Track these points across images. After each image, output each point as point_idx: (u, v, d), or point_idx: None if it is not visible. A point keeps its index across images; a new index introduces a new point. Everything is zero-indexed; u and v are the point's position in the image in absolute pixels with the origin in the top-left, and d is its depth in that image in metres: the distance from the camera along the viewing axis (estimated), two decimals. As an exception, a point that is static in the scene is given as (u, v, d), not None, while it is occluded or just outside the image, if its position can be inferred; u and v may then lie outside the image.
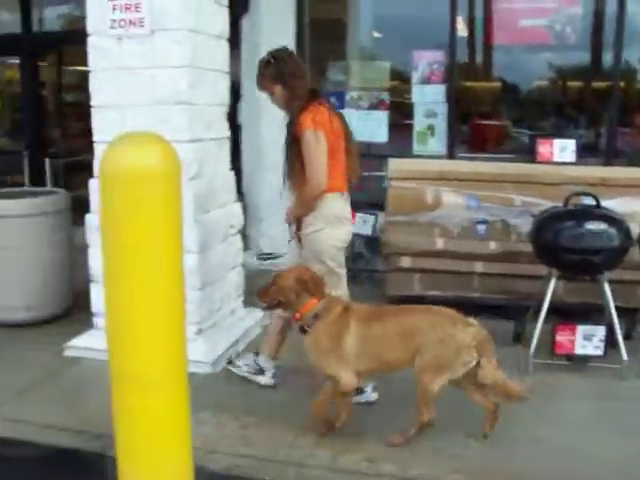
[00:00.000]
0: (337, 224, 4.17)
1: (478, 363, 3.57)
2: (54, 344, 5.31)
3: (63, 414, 4.24)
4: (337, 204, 4.17)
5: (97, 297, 5.11)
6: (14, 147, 12.01)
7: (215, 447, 3.76)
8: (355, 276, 6.99)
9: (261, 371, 4.54)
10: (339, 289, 4.19)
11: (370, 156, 7.73)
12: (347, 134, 4.30)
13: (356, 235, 6.93)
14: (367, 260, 7.09)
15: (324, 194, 4.06)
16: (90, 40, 4.98)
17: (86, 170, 10.64)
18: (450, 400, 3.79)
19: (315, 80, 4.41)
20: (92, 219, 5.01)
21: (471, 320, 3.66)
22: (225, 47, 5.36)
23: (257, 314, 5.68)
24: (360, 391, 4.14)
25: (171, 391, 2.67)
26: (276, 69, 4.18)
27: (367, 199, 7.34)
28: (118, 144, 2.56)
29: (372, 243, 6.97)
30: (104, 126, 4.93)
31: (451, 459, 3.68)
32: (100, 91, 4.96)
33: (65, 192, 6.00)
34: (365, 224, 6.88)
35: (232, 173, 5.61)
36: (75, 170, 11.83)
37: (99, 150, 4.96)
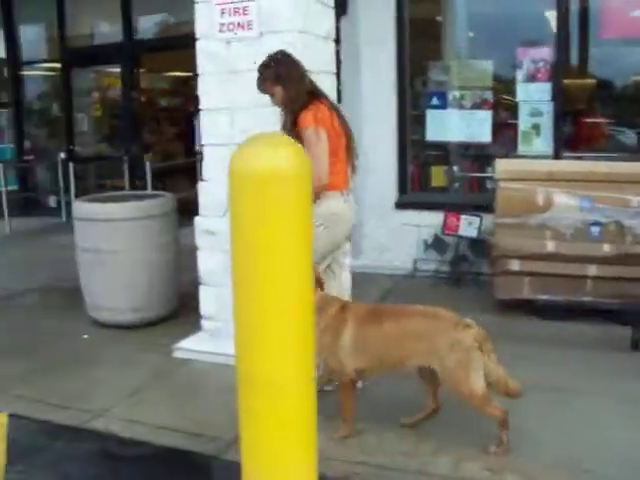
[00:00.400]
0: (335, 223, 4.23)
1: None
2: (162, 345, 5.38)
3: (176, 415, 4.27)
4: (336, 203, 4.22)
5: (206, 300, 5.14)
6: (113, 152, 12.28)
7: (332, 454, 3.70)
8: (459, 279, 6.88)
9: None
10: (331, 288, 4.28)
11: (472, 157, 7.60)
12: (348, 132, 4.35)
13: (461, 237, 6.83)
14: (471, 263, 6.93)
15: (324, 191, 4.11)
16: (199, 44, 5.01)
17: (182, 173, 10.85)
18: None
19: (313, 80, 4.38)
20: (201, 222, 5.04)
21: (469, 321, 3.66)
22: (331, 48, 5.32)
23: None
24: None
25: (300, 395, 2.62)
26: (275, 71, 4.26)
27: (471, 201, 7.21)
28: (250, 145, 2.53)
29: (477, 245, 6.82)
30: (213, 129, 4.96)
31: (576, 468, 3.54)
32: (209, 94, 4.98)
33: (171, 195, 6.06)
34: (470, 226, 6.74)
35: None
36: (171, 173, 12.07)
37: (208, 153, 4.99)
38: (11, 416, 4.34)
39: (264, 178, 2.39)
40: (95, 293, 5.85)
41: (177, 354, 5.20)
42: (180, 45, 11.43)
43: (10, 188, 11.77)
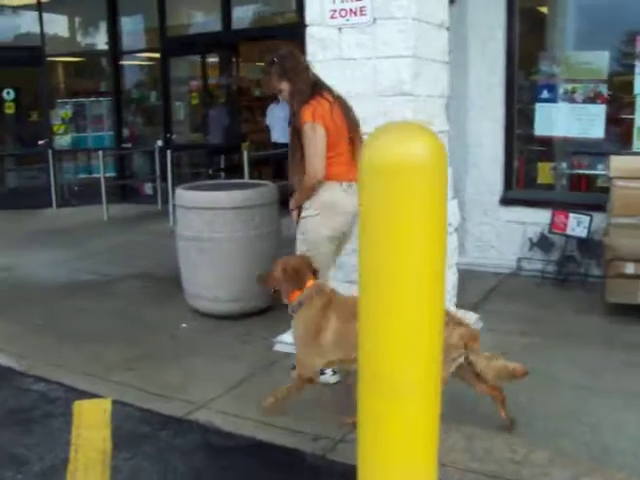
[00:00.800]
0: (330, 212, 4.33)
1: (469, 360, 3.60)
2: (262, 338, 5.32)
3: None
4: (333, 193, 4.32)
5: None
6: (209, 141, 12.35)
7: (442, 459, 3.53)
8: (565, 280, 6.59)
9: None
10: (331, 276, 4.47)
11: (582, 153, 7.26)
12: (351, 125, 4.39)
13: (568, 237, 6.53)
14: (579, 263, 6.62)
15: (323, 182, 4.26)
16: (309, 31, 4.90)
17: (277, 163, 10.73)
18: None
19: (316, 74, 4.47)
20: (309, 214, 4.93)
21: (460, 318, 3.71)
22: (445, 36, 5.14)
23: (471, 315, 5.41)
24: (320, 372, 4.20)
25: (425, 399, 2.47)
26: (280, 67, 4.38)
27: (580, 199, 6.90)
28: (383, 134, 2.38)
29: (586, 246, 6.51)
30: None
31: None
32: (320, 82, 4.85)
33: (273, 185, 5.97)
34: (579, 225, 6.43)
35: (450, 169, 5.36)
36: (266, 163, 12.05)
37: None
38: (114, 402, 4.36)
39: (398, 169, 2.24)
40: (194, 282, 5.81)
41: (278, 347, 5.10)
42: (276, 35, 11.53)
43: (108, 175, 11.96)
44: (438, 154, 2.30)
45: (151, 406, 4.29)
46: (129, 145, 13.39)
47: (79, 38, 14.30)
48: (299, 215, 4.47)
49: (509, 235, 7.14)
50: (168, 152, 10.59)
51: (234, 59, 12.33)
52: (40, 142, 13.26)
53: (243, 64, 13.33)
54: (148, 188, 13.08)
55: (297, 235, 4.50)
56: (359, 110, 4.63)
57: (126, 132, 13.41)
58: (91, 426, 4.11)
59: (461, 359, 3.59)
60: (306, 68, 4.42)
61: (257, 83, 14.50)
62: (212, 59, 12.91)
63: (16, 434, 4.06)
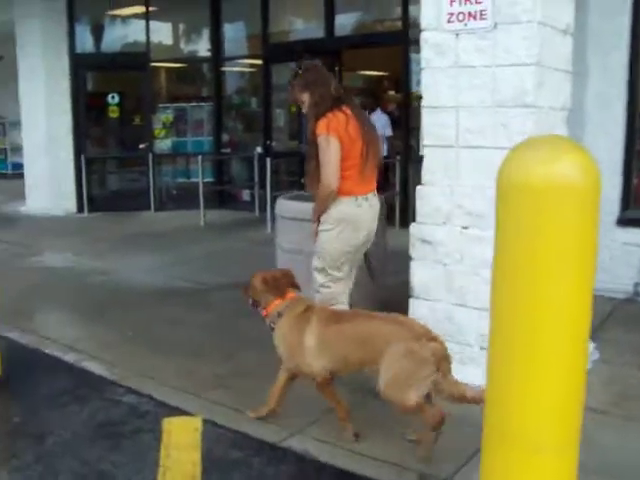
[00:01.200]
0: (345, 228, 4.36)
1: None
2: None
3: (383, 443, 3.87)
4: (348, 208, 4.35)
5: (416, 314, 4.71)
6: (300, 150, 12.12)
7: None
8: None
9: None
10: (327, 288, 4.49)
11: None
12: (367, 138, 4.39)
13: None
14: None
15: (337, 197, 4.31)
16: (424, 36, 4.59)
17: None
18: None
19: (340, 87, 4.56)
20: (418, 230, 4.63)
21: (435, 335, 3.59)
22: (569, 43, 4.73)
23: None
24: None
25: (563, 456, 2.13)
26: (303, 79, 4.48)
27: None
28: (527, 149, 2.06)
29: None
30: (435, 129, 4.53)
31: None
32: (433, 91, 4.55)
33: (381, 197, 5.65)
34: None
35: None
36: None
37: (429, 155, 4.57)
38: (205, 422, 4.15)
39: (546, 189, 1.92)
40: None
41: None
42: (379, 42, 11.28)
43: (206, 180, 11.91)
44: (591, 173, 1.97)
45: (244, 428, 4.06)
46: (228, 151, 13.36)
47: (182, 45, 14.44)
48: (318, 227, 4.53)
49: (625, 258, 6.64)
50: (268, 159, 10.45)
51: (336, 66, 12.10)
52: (141, 146, 13.37)
53: (345, 73, 13.10)
54: (246, 195, 13.02)
55: (314, 249, 4.55)
56: (473, 121, 4.33)
57: (225, 138, 13.40)
58: (180, 446, 3.91)
59: (433, 377, 3.47)
60: (328, 82, 4.47)
61: (357, 92, 14.28)
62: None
63: (104, 449, 3.90)
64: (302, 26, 12.72)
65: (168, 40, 14.33)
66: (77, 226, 11.86)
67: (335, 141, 4.25)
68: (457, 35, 4.41)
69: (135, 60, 13.13)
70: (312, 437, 3.95)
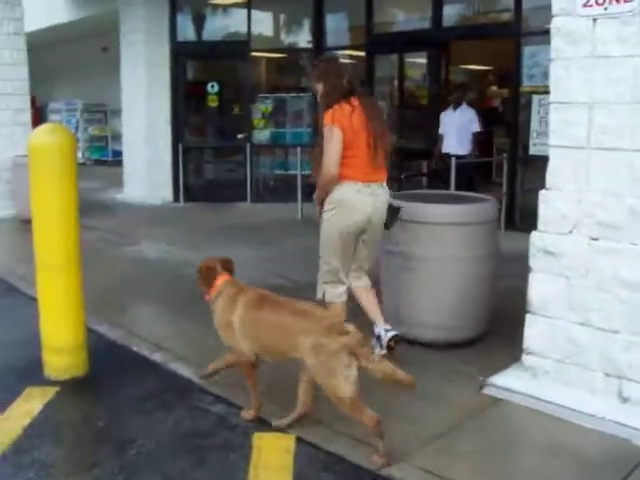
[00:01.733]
0: (344, 209, 4.61)
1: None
2: (470, 377, 4.63)
3: (489, 477, 3.46)
4: (348, 191, 4.59)
5: (532, 331, 4.28)
6: (407, 145, 11.66)
7: None
8: None
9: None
10: (327, 266, 4.84)
11: None
12: (371, 130, 4.58)
13: None
14: None
15: (340, 181, 4.56)
16: (555, 22, 4.11)
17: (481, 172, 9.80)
18: None
19: (353, 81, 4.78)
20: (539, 239, 4.16)
21: (347, 327, 3.67)
22: None
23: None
24: None
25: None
26: (319, 70, 4.77)
27: None
28: None
29: None
30: (564, 128, 4.05)
31: None
32: (563, 85, 4.07)
33: (494, 200, 5.22)
34: None
35: None
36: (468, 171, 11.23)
37: (556, 156, 4.09)
38: (298, 440, 3.82)
39: None
40: (395, 302, 5.17)
41: (488, 391, 4.37)
42: (489, 33, 10.72)
43: (304, 172, 11.62)
44: None
45: (340, 451, 3.71)
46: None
47: (283, 34, 14.22)
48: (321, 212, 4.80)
49: None
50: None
51: (442, 59, 11.61)
52: (239, 136, 13.18)
53: (451, 65, 12.59)
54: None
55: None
56: (609, 120, 3.85)
57: (323, 129, 13.06)
58: (270, 467, 3.60)
59: (354, 368, 3.56)
60: (340, 74, 4.67)
61: (459, 87, 13.74)
62: (417, 59, 12.25)
63: (189, 464, 3.65)
64: (407, 16, 12.26)
65: (269, 29, 14.12)
66: (172, 216, 11.76)
67: (338, 131, 4.48)
68: (594, 21, 3.92)
69: (236, 49, 12.96)
70: (415, 466, 3.56)
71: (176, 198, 13.07)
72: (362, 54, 12.33)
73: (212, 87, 12.97)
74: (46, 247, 4.47)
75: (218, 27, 13.63)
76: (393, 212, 4.83)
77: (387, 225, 4.84)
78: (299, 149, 11.16)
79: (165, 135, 13.10)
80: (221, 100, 13.32)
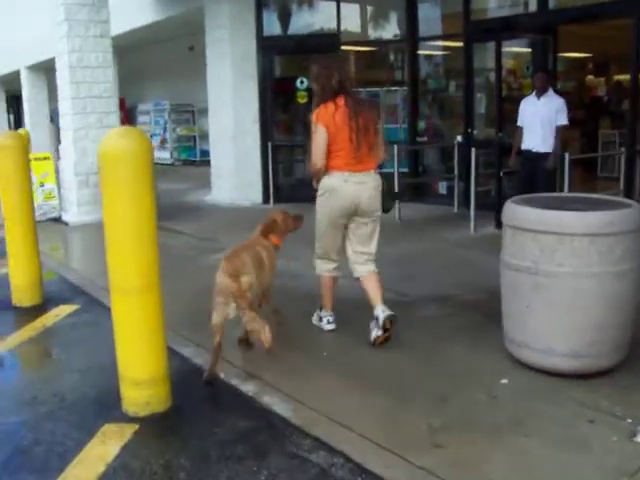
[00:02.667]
0: (327, 194, 5.16)
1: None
2: (615, 416, 3.87)
3: None
4: (335, 180, 5.10)
5: None
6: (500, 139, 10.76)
7: None
8: None
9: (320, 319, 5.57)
10: (317, 243, 5.42)
11: None
12: (353, 126, 5.02)
13: None
14: None
15: (329, 171, 5.11)
16: None
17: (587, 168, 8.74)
18: None
19: (343, 82, 5.16)
20: None
21: (236, 273, 4.56)
22: None
23: None
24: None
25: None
26: (312, 72, 5.27)
27: None
28: None
29: None
30: None
31: None
32: None
33: (637, 205, 4.41)
34: None
35: None
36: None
37: None
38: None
39: None
40: (521, 324, 4.44)
41: (642, 438, 3.61)
42: (609, 13, 9.67)
43: (400, 171, 10.91)
44: None
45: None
46: (424, 139, 12.27)
47: (374, 26, 13.58)
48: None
49: None
50: (472, 150, 9.25)
51: (548, 45, 10.65)
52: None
53: (558, 53, 11.62)
54: (442, 187, 11.90)
55: None
56: None
57: (421, 125, 12.29)
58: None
59: (230, 309, 4.50)
60: (330, 76, 5.10)
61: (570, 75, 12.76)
62: (519, 47, 11.34)
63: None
64: (508, 0, 11.37)
65: (359, 21, 13.52)
66: (262, 218, 11.21)
67: (322, 128, 5.02)
68: None
69: (325, 42, 12.29)
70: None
71: (266, 199, 12.56)
72: (457, 44, 11.53)
73: (301, 83, 12.36)
74: (120, 268, 3.92)
75: (306, 21, 13.04)
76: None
77: (384, 209, 5.35)
78: (396, 147, 10.42)
79: (253, 134, 12.59)
80: (311, 96, 12.68)
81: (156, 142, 23.33)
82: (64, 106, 11.56)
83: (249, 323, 4.51)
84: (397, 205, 10.13)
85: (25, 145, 6.58)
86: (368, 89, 12.69)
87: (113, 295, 4.00)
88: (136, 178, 3.78)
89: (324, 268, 5.46)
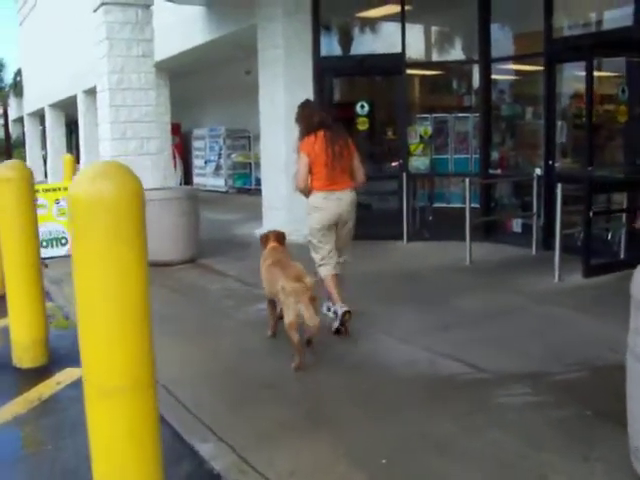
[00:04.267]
0: (314, 212, 6.25)
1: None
2: None
3: None
4: (318, 199, 6.21)
5: None
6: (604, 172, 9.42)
7: None
8: None
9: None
10: (314, 253, 6.38)
11: None
12: (329, 152, 6.14)
13: None
14: None
15: (312, 191, 6.24)
16: None
17: None
18: None
19: (323, 118, 6.30)
20: None
21: (305, 278, 5.25)
22: None
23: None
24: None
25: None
26: (296, 114, 6.51)
27: None
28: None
29: None
30: None
31: None
32: None
33: None
34: None
35: None
36: None
37: None
38: None
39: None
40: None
41: None
42: None
43: (473, 206, 9.68)
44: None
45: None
46: (497, 172, 10.96)
47: (443, 46, 12.40)
48: None
49: None
50: (559, 185, 7.86)
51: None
52: (394, 163, 11.39)
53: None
54: (516, 225, 10.58)
55: None
56: None
57: (494, 155, 10.96)
58: None
59: (300, 307, 5.08)
60: (312, 115, 6.33)
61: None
62: (612, 67, 10.01)
63: None
64: (597, 15, 10.04)
65: (426, 41, 12.38)
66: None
67: (304, 156, 6.15)
68: None
69: (388, 63, 11.15)
70: None
71: (321, 235, 11.41)
72: (535, 66, 10.26)
73: (361, 107, 11.19)
74: (96, 361, 2.78)
75: (367, 40, 11.99)
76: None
77: None
78: (467, 180, 9.17)
79: (309, 163, 11.48)
80: (372, 122, 11.57)
81: (210, 169, 22.56)
82: (103, 131, 10.69)
83: (313, 318, 5.08)
84: (468, 245, 8.90)
85: (30, 177, 5.55)
86: (435, 115, 11.52)
87: (88, 397, 2.86)
88: (117, 234, 2.65)
89: (326, 271, 6.29)
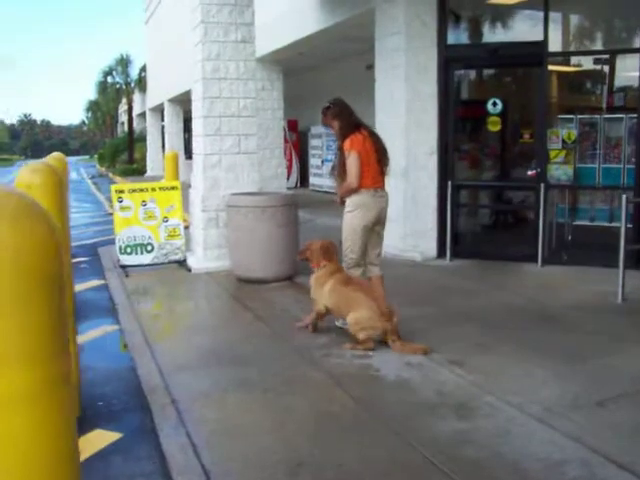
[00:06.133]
0: (363, 210, 6.23)
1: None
2: None
3: None
4: (365, 196, 6.24)
5: None
6: None
7: None
8: None
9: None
10: (352, 254, 6.29)
11: None
12: (379, 150, 6.34)
13: None
14: None
15: (358, 189, 6.20)
16: None
17: None
18: None
19: (357, 117, 6.35)
20: None
21: (389, 315, 5.72)
22: None
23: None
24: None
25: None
26: (334, 110, 6.42)
27: None
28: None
29: None
30: None
31: None
32: None
33: None
34: None
35: None
36: None
37: None
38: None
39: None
40: None
41: None
42: None
43: (615, 225, 7.93)
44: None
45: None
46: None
47: (592, 34, 10.58)
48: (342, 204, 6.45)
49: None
50: None
51: None
52: (529, 172, 9.66)
53: None
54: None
55: (343, 224, 6.39)
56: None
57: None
58: None
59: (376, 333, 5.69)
60: (351, 113, 6.38)
61: None
62: None
63: None
64: None
65: (571, 28, 10.70)
66: (432, 282, 8.43)
67: (356, 154, 6.15)
68: None
69: (527, 53, 9.46)
70: None
71: (441, 253, 9.84)
72: None
73: (494, 105, 9.52)
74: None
75: (501, 26, 10.31)
76: None
77: None
78: (625, 197, 7.39)
79: (430, 169, 9.91)
80: (505, 123, 9.92)
81: (327, 169, 21.32)
82: (196, 126, 9.50)
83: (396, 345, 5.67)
84: (621, 278, 7.15)
85: (56, 184, 4.32)
86: (580, 116, 9.72)
87: None
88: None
89: (357, 273, 6.27)
